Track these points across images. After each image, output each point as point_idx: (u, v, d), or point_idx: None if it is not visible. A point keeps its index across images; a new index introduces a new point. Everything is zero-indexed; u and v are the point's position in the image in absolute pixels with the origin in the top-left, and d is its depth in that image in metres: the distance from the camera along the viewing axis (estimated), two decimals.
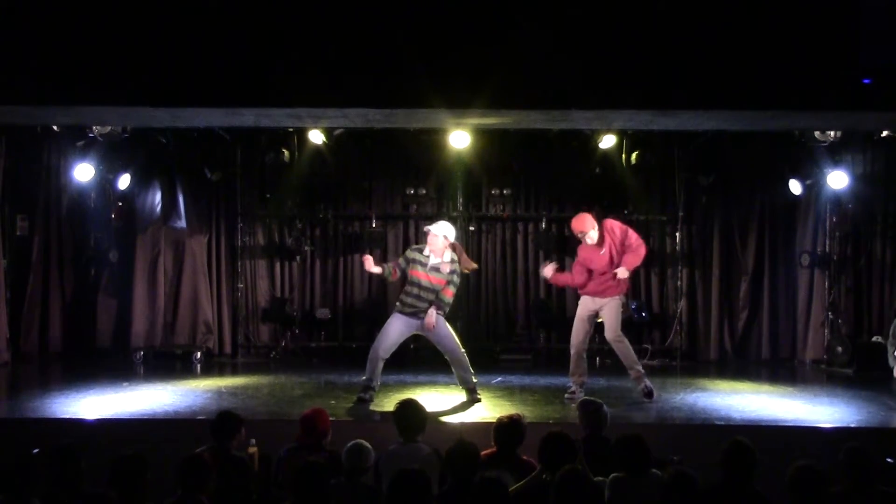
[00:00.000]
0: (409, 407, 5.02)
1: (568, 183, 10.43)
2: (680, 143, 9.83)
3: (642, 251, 7.37)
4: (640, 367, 7.42)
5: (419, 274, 7.14)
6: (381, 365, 7.19)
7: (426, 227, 7.35)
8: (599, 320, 7.58)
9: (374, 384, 7.19)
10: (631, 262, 7.28)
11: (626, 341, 7.43)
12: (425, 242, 7.24)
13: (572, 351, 7.47)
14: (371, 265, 7.12)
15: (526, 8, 6.46)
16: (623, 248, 7.31)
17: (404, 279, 7.35)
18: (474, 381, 7.32)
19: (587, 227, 7.37)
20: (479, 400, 7.29)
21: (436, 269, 7.14)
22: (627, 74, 6.53)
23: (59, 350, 10.12)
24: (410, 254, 7.26)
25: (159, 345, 10.24)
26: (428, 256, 7.15)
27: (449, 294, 7.17)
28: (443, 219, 10.32)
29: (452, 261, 7.18)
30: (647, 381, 7.38)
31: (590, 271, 7.42)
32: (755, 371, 9.79)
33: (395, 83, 6.52)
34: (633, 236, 7.37)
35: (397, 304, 7.31)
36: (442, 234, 7.13)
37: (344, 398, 7.45)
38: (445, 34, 6.45)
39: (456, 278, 7.20)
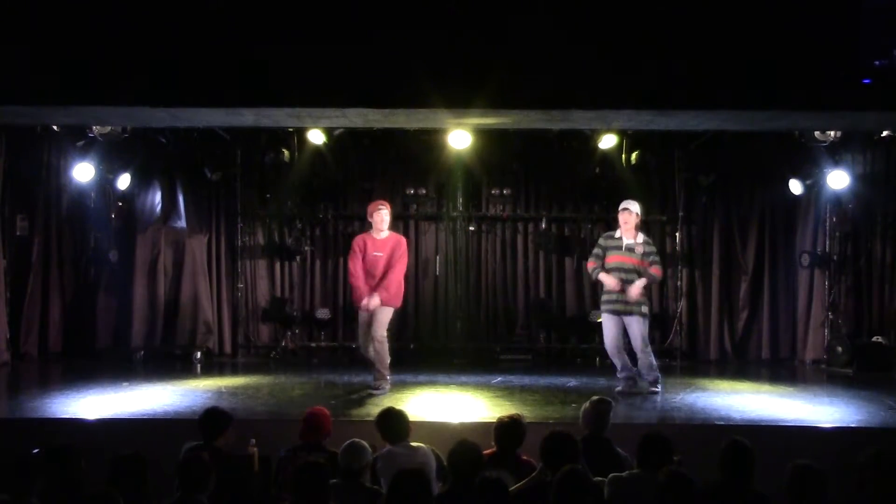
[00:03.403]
0: (391, 416, 4.97)
1: (568, 183, 10.44)
2: (680, 143, 9.83)
3: None
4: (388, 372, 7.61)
5: (617, 258, 7.51)
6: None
7: (622, 205, 7.62)
8: None
9: (633, 371, 7.64)
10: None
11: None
12: (616, 227, 7.65)
13: None
14: (608, 279, 7.50)
15: (526, 7, 6.46)
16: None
17: None
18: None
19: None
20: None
21: (630, 249, 7.50)
22: (628, 74, 6.53)
23: (59, 350, 10.11)
24: (604, 241, 7.66)
25: (159, 345, 10.24)
26: (620, 238, 7.54)
27: (656, 271, 7.57)
28: (445, 218, 10.42)
29: (646, 241, 7.61)
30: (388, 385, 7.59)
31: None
32: (755, 371, 9.78)
33: (394, 83, 6.52)
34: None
35: (603, 305, 7.68)
36: (635, 210, 7.55)
37: (344, 398, 7.45)
38: (445, 34, 6.45)
39: (655, 256, 7.58)
